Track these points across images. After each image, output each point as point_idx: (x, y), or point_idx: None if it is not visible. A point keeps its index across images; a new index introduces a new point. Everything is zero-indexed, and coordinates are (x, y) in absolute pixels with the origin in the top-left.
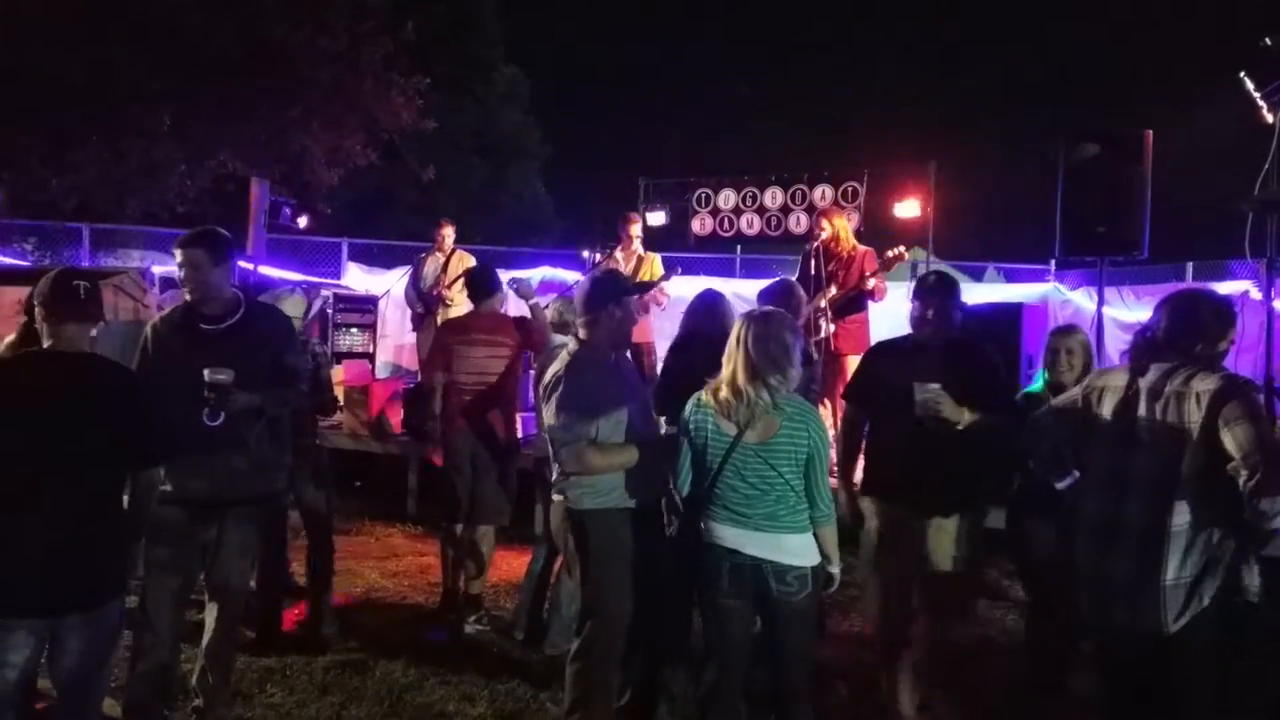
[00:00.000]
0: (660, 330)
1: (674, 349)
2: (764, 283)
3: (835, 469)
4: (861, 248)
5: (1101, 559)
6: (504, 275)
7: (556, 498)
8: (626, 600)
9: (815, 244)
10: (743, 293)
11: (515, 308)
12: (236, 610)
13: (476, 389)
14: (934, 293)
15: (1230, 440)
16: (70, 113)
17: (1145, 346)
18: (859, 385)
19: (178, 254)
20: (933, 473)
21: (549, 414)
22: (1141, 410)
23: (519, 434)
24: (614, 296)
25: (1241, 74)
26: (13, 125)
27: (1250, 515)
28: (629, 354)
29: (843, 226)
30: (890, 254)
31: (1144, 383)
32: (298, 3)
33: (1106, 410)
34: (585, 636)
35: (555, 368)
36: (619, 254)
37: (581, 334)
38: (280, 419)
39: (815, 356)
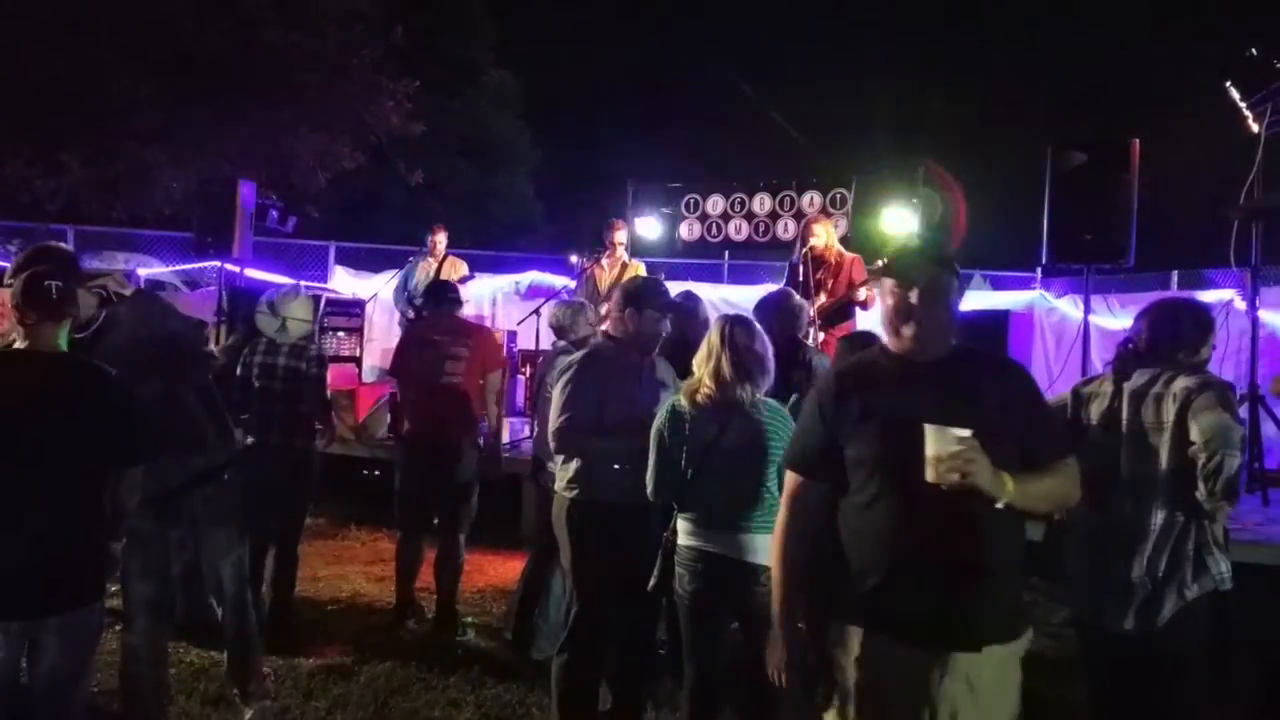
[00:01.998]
0: None
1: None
2: (751, 289)
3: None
4: (849, 255)
5: (1090, 560)
6: (490, 281)
7: (557, 488)
8: (612, 593)
9: (803, 251)
10: (731, 299)
11: (504, 318)
12: (243, 611)
13: (431, 392)
14: (921, 268)
15: (1195, 428)
16: (61, 113)
17: (1129, 355)
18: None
19: None
20: (972, 582)
21: (555, 398)
22: (1125, 414)
23: (478, 437)
24: (635, 304)
25: (1228, 84)
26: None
27: (1202, 499)
28: None
29: (829, 234)
30: (878, 263)
31: (1128, 387)
32: (288, 6)
33: (1093, 415)
34: (569, 628)
35: (572, 357)
36: (604, 260)
37: (602, 327)
38: (211, 393)
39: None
